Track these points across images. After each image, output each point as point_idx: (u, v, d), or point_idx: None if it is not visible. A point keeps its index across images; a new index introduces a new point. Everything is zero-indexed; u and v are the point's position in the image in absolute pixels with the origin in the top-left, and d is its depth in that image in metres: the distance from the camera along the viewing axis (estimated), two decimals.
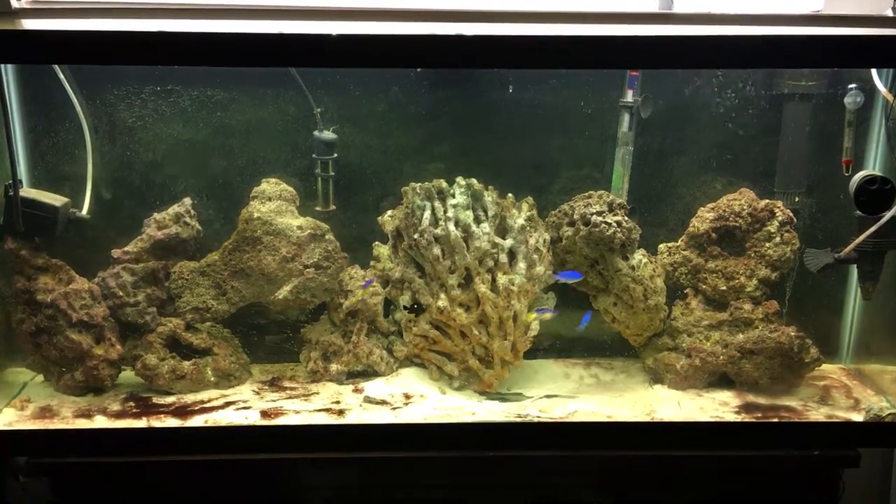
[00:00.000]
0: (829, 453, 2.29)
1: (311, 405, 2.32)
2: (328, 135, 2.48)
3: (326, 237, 2.43)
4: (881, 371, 2.55)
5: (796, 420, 2.31)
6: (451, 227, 2.31)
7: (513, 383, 2.49)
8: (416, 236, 2.34)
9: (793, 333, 2.42)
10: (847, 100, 2.34)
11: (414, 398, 2.38)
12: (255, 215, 2.37)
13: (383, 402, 2.35)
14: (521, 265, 2.37)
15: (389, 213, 2.51)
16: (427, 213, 2.33)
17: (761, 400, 2.42)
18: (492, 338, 2.38)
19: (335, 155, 2.46)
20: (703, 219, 2.56)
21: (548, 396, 2.44)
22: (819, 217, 2.57)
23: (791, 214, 2.50)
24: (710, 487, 2.38)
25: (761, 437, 2.29)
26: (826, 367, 2.53)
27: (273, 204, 2.41)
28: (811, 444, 2.28)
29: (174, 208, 2.42)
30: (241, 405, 2.32)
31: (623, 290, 2.48)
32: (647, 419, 2.31)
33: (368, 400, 2.36)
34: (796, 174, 2.53)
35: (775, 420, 2.32)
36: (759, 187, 2.51)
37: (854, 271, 2.50)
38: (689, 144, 2.56)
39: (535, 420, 2.28)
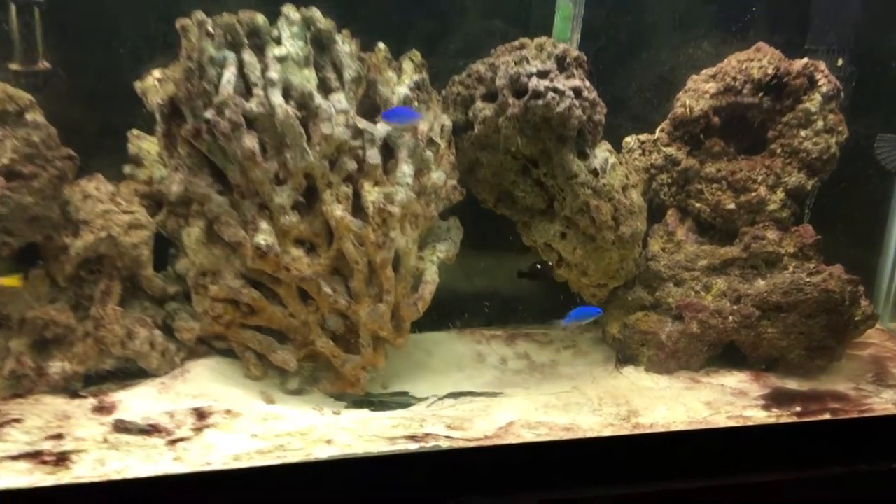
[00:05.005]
0: None
1: (3, 447, 1.52)
2: None
3: (28, 118, 1.72)
4: None
5: (858, 416, 1.70)
6: (277, 97, 1.67)
7: (393, 376, 1.87)
8: (208, 115, 1.67)
9: (844, 277, 1.77)
10: None
11: (214, 417, 1.65)
12: None
13: (153, 431, 1.62)
14: (406, 169, 1.75)
15: (157, 73, 1.84)
16: (229, 73, 1.68)
17: (793, 384, 1.82)
18: (356, 299, 1.74)
19: None
20: (699, 93, 1.92)
21: (453, 395, 1.79)
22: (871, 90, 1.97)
23: (839, 84, 1.82)
24: None
25: (814, 448, 1.65)
26: None
27: None
28: (887, 454, 1.65)
29: None
30: None
31: (579, 209, 1.75)
32: (629, 428, 1.66)
33: (123, 427, 1.62)
34: (842, 24, 1.98)
35: (828, 418, 1.69)
36: (776, 45, 1.93)
37: None
38: None
39: (443, 446, 1.52)
